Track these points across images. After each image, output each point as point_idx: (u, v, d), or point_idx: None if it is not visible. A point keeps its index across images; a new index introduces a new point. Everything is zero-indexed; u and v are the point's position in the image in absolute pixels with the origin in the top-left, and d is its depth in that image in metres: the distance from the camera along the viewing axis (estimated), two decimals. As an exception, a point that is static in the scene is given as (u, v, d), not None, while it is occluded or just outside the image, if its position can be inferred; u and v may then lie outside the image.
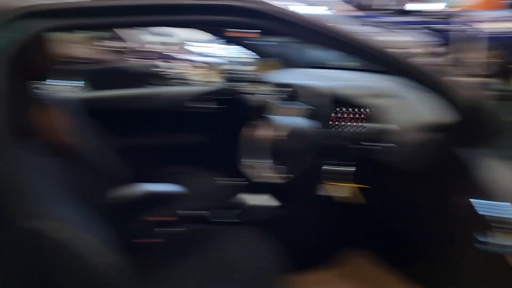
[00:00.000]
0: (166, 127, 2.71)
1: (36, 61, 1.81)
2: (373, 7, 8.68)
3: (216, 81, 2.84)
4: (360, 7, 8.51)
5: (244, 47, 2.64)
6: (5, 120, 0.98)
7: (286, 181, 1.59)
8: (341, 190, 1.62)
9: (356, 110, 1.69)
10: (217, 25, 1.86)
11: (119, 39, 5.71)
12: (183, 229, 1.95)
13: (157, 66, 5.35)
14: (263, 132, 1.86)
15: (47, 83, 2.05)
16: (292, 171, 1.58)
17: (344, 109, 1.73)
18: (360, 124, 1.62)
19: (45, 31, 1.08)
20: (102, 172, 1.89)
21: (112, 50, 5.71)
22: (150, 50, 5.64)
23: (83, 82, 5.46)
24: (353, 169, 1.60)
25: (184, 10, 1.18)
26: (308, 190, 1.88)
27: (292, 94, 2.06)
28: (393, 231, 1.75)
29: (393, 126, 1.45)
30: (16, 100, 1.17)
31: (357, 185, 1.59)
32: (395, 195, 1.61)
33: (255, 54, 2.62)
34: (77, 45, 6.46)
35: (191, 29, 2.90)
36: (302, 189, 1.86)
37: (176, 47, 5.71)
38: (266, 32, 1.47)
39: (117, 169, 1.96)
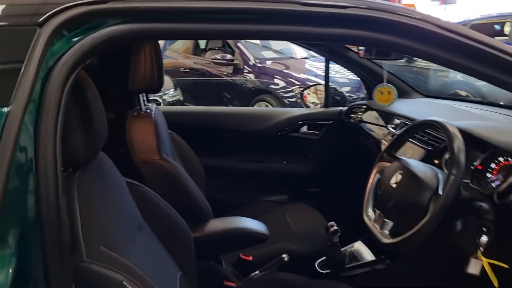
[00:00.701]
0: (267, 151, 2.47)
1: (135, 71, 1.67)
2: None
3: (327, 104, 2.54)
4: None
5: (359, 68, 2.31)
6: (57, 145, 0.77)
7: (400, 239, 1.24)
8: (471, 264, 1.24)
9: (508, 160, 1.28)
10: (339, 40, 1.53)
11: (239, 52, 5.56)
12: (266, 274, 1.69)
13: (274, 84, 5.14)
14: (378, 173, 1.53)
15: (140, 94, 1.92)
16: (409, 228, 1.23)
17: (490, 157, 1.33)
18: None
19: (125, 36, 0.85)
20: (186, 200, 1.69)
21: (226, 64, 5.60)
22: (268, 66, 5.39)
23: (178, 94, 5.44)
24: (491, 238, 1.22)
25: (299, 18, 0.90)
26: (427, 253, 1.51)
27: (419, 130, 1.67)
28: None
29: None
30: (94, 112, 0.98)
31: (492, 261, 1.20)
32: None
33: (371, 78, 2.28)
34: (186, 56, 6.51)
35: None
36: (419, 251, 1.50)
37: (296, 65, 5.42)
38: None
39: (201, 197, 1.74)
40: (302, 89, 4.65)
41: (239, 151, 2.43)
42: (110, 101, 2.18)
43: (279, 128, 2.40)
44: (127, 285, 0.92)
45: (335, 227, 1.71)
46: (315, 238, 1.92)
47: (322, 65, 4.56)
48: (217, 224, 1.69)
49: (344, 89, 4.72)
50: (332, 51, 2.25)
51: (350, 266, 1.76)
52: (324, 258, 1.81)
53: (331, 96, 2.65)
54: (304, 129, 2.43)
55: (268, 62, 5.49)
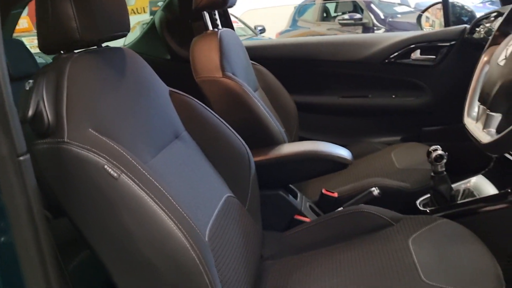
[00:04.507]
0: (371, 83, 2.09)
1: None
2: None
3: (447, 23, 2.07)
4: None
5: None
6: None
7: (505, 132, 0.85)
8: None
9: None
10: None
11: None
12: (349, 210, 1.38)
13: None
14: (487, 60, 1.12)
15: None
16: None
17: None
18: None
19: None
20: (252, 122, 1.47)
21: (354, 24, 5.20)
22: (401, 21, 4.78)
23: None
24: None
25: None
26: None
27: None
28: None
29: None
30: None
31: None
32: None
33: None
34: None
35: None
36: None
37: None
38: None
39: (274, 122, 1.50)
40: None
41: (337, 86, 2.10)
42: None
43: (385, 55, 2.01)
44: (109, 170, 0.78)
45: (440, 152, 1.32)
46: (422, 174, 1.54)
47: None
48: (286, 148, 1.43)
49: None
50: None
51: (462, 202, 1.35)
52: (429, 195, 1.43)
53: (456, 16, 2.14)
54: (417, 54, 1.99)
55: (399, 16, 4.91)
